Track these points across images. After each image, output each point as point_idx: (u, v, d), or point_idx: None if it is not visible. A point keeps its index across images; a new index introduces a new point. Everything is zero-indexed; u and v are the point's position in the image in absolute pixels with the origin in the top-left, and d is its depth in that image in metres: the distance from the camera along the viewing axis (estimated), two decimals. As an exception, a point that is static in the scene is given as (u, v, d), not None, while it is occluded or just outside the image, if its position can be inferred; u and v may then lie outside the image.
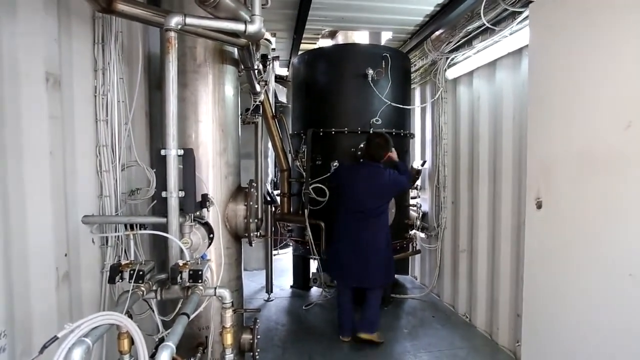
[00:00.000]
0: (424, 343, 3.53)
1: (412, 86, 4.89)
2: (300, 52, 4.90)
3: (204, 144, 2.45)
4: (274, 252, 6.63)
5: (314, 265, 4.85)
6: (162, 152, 1.68)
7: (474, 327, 3.82)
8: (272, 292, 4.74)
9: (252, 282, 5.28)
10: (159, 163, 1.71)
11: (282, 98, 6.59)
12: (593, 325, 2.05)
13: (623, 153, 1.81)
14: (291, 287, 5.14)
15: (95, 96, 1.82)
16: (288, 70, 6.32)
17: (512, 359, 3.23)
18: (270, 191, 4.95)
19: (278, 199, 4.70)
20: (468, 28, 3.71)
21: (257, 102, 3.75)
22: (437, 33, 4.28)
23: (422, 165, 4.72)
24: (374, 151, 3.45)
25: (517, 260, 3.25)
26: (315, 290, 4.92)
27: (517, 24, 3.07)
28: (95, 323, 1.16)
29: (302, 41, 4.89)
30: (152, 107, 2.63)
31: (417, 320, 4.04)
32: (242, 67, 2.70)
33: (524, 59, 3.11)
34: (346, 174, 3.57)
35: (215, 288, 1.73)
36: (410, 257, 5.09)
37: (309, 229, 3.98)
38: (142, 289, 1.53)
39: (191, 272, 1.54)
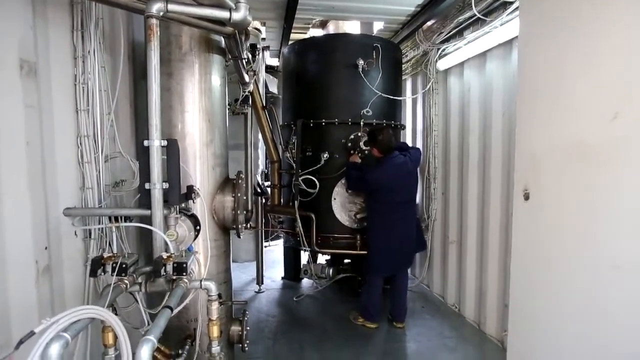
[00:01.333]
0: (413, 333, 3.57)
1: (404, 77, 4.86)
2: (290, 42, 4.83)
3: (190, 135, 2.41)
4: (265, 243, 6.62)
5: (304, 256, 4.85)
6: (145, 142, 1.65)
7: (463, 317, 3.87)
8: (262, 283, 4.74)
9: (243, 273, 5.28)
10: (142, 154, 1.68)
11: (273, 88, 6.51)
12: (578, 315, 2.07)
13: (610, 144, 1.81)
14: (282, 278, 5.15)
15: (75, 85, 1.77)
16: (279, 61, 6.25)
17: (499, 348, 3.28)
18: (260, 182, 4.91)
19: (269, 190, 4.68)
20: (459, 18, 3.68)
21: (247, 93, 3.70)
22: (429, 23, 4.25)
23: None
24: (389, 142, 3.56)
25: (505, 251, 3.28)
26: (306, 282, 4.93)
27: (507, 14, 3.06)
28: (75, 317, 1.13)
29: (293, 31, 4.82)
30: (138, 97, 2.58)
31: (407, 310, 4.07)
32: (230, 56, 2.65)
33: (514, 50, 3.10)
34: (384, 169, 3.51)
35: (201, 280, 1.71)
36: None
37: (299, 220, 3.96)
38: (126, 282, 1.51)
39: (175, 265, 1.52)
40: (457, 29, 3.80)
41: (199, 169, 2.46)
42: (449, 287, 4.21)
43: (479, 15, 3.28)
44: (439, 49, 4.11)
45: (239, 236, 2.64)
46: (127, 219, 1.97)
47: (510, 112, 3.17)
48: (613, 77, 1.80)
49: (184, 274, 1.53)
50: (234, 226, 2.53)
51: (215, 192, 2.53)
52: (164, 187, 1.67)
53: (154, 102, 1.63)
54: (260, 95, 4.25)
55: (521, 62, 2.49)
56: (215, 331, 1.76)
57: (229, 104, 4.32)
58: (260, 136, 4.82)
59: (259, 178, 5.02)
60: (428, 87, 4.36)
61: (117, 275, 1.45)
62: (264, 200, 4.75)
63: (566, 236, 2.12)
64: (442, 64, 4.12)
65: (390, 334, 3.59)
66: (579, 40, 1.99)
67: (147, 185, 1.65)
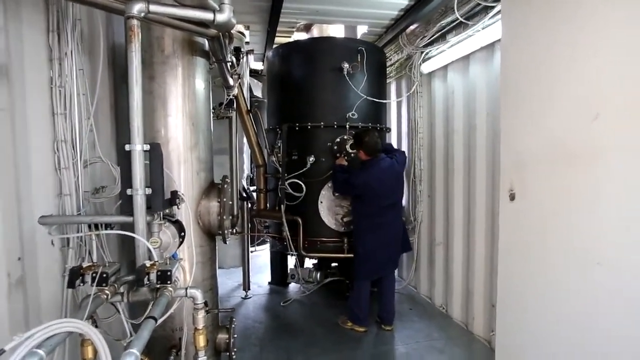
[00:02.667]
0: (402, 335, 3.56)
1: (388, 80, 4.89)
2: (275, 46, 4.81)
3: (173, 139, 2.35)
4: (251, 248, 6.55)
5: (291, 261, 4.81)
6: (127, 147, 1.59)
7: (451, 318, 3.88)
8: (249, 289, 4.67)
9: (229, 279, 5.19)
10: (123, 159, 1.62)
11: (258, 93, 6.46)
12: (564, 314, 2.10)
13: (591, 144, 1.85)
14: (269, 283, 5.09)
15: (52, 88, 1.69)
16: (263, 64, 6.21)
17: (486, 348, 3.30)
18: (246, 187, 4.85)
19: (255, 194, 4.62)
20: (442, 22, 3.73)
21: (231, 96, 3.65)
22: (412, 27, 4.29)
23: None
24: (375, 144, 3.55)
25: (491, 251, 3.31)
26: (293, 286, 4.88)
27: (489, 18, 3.11)
28: (51, 332, 1.07)
29: (277, 34, 4.79)
30: (119, 100, 2.50)
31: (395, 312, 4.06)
32: (214, 59, 2.61)
33: (496, 53, 3.15)
34: (371, 172, 3.48)
35: (187, 288, 1.66)
36: (387, 251, 5.11)
37: (285, 225, 3.93)
38: (107, 292, 1.45)
39: (159, 273, 1.46)
40: (440, 33, 3.84)
41: (183, 174, 2.40)
42: (436, 289, 4.23)
43: (461, 19, 3.32)
44: (422, 52, 4.16)
45: (225, 242, 2.59)
46: (108, 226, 1.90)
47: (494, 113, 3.21)
48: (593, 77, 1.84)
49: (169, 282, 1.47)
50: (220, 232, 2.47)
51: (200, 197, 2.48)
52: (146, 193, 1.61)
53: (135, 105, 1.58)
54: (244, 99, 4.21)
55: (504, 64, 2.52)
56: (201, 340, 1.71)
57: (213, 108, 4.26)
58: (245, 140, 4.76)
59: (244, 183, 4.95)
60: (412, 90, 4.39)
61: (97, 285, 1.39)
62: (249, 205, 4.71)
63: (551, 236, 2.15)
64: (426, 67, 4.16)
65: (379, 337, 3.58)
66: (560, 41, 2.03)
67: (129, 191, 1.59)
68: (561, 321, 2.13)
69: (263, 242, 6.38)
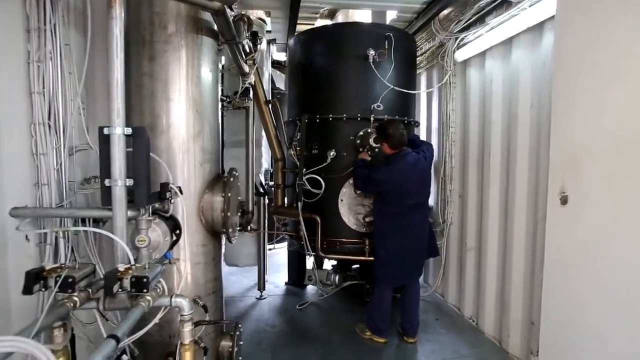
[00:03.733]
0: (426, 350, 3.23)
1: (418, 71, 4.52)
2: (296, 33, 4.55)
3: (175, 126, 2.14)
4: (270, 246, 6.35)
5: (310, 261, 4.55)
6: (105, 130, 1.37)
7: (482, 333, 3.50)
8: (264, 289, 4.46)
9: (245, 278, 5.01)
10: (102, 144, 1.40)
11: (280, 84, 6.24)
12: (622, 340, 1.72)
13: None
14: (286, 284, 4.86)
15: (29, 63, 1.50)
16: (286, 55, 5.97)
17: (524, 371, 2.92)
18: (263, 182, 4.63)
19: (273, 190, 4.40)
20: (481, 3, 3.34)
21: (247, 85, 3.42)
22: (446, 11, 3.91)
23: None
24: (401, 136, 3.21)
25: (532, 261, 2.91)
26: (311, 288, 4.63)
27: (538, -6, 2.70)
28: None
29: (299, 22, 4.53)
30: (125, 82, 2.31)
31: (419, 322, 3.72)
32: (222, 39, 2.37)
33: (545, 35, 2.74)
34: (395, 168, 3.16)
35: (172, 297, 1.42)
36: (413, 255, 4.76)
37: (302, 223, 3.67)
38: (75, 299, 1.23)
39: (133, 280, 1.23)
40: (477, 15, 3.45)
41: (186, 165, 2.19)
42: (465, 298, 3.85)
43: (504, -4, 2.93)
44: (457, 38, 3.76)
45: (230, 241, 2.36)
46: (96, 220, 1.71)
47: (539, 104, 2.81)
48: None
49: (145, 290, 1.24)
50: (224, 230, 2.24)
51: (204, 191, 2.25)
52: (127, 185, 1.39)
53: (115, 81, 1.35)
54: (263, 89, 3.98)
55: (558, 47, 2.14)
56: (187, 357, 1.47)
57: (227, 97, 4.06)
58: (263, 133, 4.53)
59: (261, 177, 4.73)
60: (445, 80, 4.01)
61: (61, 291, 1.17)
62: (267, 201, 4.49)
63: (615, 246, 1.77)
64: (461, 55, 3.77)
65: (401, 350, 3.26)
66: (631, 19, 1.64)
67: (107, 182, 1.37)
68: (618, 351, 1.75)
69: (283, 240, 6.17)
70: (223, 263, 5.10)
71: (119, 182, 1.37)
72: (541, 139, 2.79)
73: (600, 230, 1.82)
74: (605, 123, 1.79)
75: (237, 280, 4.96)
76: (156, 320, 1.44)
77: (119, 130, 1.36)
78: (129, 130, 1.40)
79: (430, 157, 3.35)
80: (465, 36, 3.65)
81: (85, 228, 1.49)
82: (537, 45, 2.85)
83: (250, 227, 3.52)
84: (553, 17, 2.52)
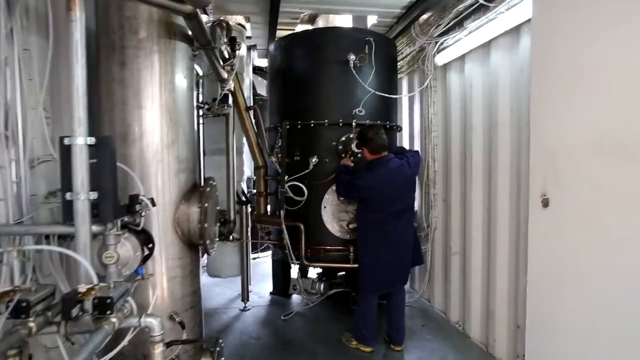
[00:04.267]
0: (413, 357, 3.18)
1: (399, 76, 4.52)
2: (277, 39, 4.50)
3: (147, 135, 2.05)
4: (254, 255, 6.23)
5: (295, 269, 4.46)
6: (66, 140, 1.28)
7: (468, 338, 3.48)
8: (248, 300, 4.34)
9: (229, 289, 4.88)
10: (63, 155, 1.31)
11: (262, 91, 6.18)
12: (614, 341, 1.71)
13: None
14: (270, 293, 4.76)
15: (-20, 69, 1.40)
16: (267, 61, 5.91)
17: (511, 375, 2.90)
18: (245, 190, 4.53)
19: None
20: (459, 7, 3.36)
21: (225, 91, 3.34)
22: (425, 16, 3.93)
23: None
24: (381, 141, 3.16)
25: (516, 264, 2.91)
26: (296, 297, 4.54)
27: (514, -3, 2.72)
28: None
29: (279, 27, 4.49)
30: (93, 91, 2.21)
31: (405, 329, 3.67)
32: (197, 44, 2.30)
33: (522, 38, 2.76)
34: (377, 174, 3.10)
35: (140, 317, 1.33)
36: (398, 260, 4.72)
37: (285, 231, 3.59)
38: (30, 325, 1.13)
39: (96, 301, 1.14)
40: (456, 19, 3.46)
41: (160, 175, 2.09)
42: (451, 303, 3.82)
43: (482, 1, 2.95)
44: (437, 42, 3.78)
45: (208, 253, 2.27)
46: (63, 237, 1.60)
47: (519, 108, 2.82)
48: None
49: (109, 312, 1.15)
50: (201, 241, 2.15)
51: (180, 201, 2.16)
52: (91, 198, 1.30)
53: (76, 87, 1.27)
54: (243, 95, 3.90)
55: (535, 48, 2.14)
56: (159, 382, 1.37)
57: (206, 104, 3.97)
58: (244, 140, 4.45)
59: (243, 185, 4.64)
60: (426, 84, 4.01)
61: (13, 317, 1.07)
62: (249, 209, 4.39)
63: (597, 248, 1.75)
64: (441, 59, 3.78)
65: (388, 358, 3.20)
66: (609, 19, 1.65)
67: (68, 196, 1.28)
68: (610, 350, 1.74)
69: (267, 248, 6.06)
70: (205, 274, 5.00)
71: (81, 196, 1.28)
72: (522, 143, 2.80)
73: (581, 231, 1.81)
74: (584, 125, 1.79)
75: (220, 291, 4.83)
76: (124, 343, 1.34)
77: (80, 141, 1.27)
78: (92, 140, 1.31)
79: (415, 163, 3.27)
80: (445, 40, 3.67)
81: (39, 247, 1.38)
82: (514, 48, 2.87)
83: (233, 236, 3.42)
84: (529, 20, 2.55)
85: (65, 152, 1.28)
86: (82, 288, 1.17)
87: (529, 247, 2.14)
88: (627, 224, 1.60)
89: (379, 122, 3.71)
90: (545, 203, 1.97)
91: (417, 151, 3.78)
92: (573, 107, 1.83)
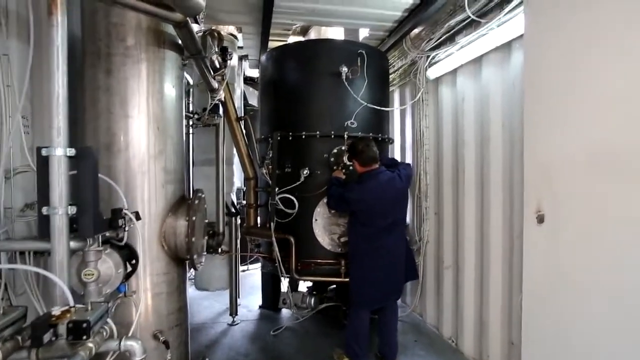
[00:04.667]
0: (406, 375, 3.10)
1: (391, 89, 4.53)
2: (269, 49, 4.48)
3: (133, 145, 1.98)
4: (244, 267, 6.10)
5: (285, 283, 4.36)
6: (44, 151, 1.21)
7: (461, 354, 3.42)
8: (237, 314, 4.22)
9: (217, 302, 4.75)
10: (40, 167, 1.23)
11: (253, 101, 6.14)
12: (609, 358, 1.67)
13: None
14: (260, 307, 4.64)
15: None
16: (259, 71, 5.89)
17: (505, 393, 2.84)
18: (234, 202, 4.45)
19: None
20: (450, 22, 3.38)
21: (216, 101, 3.29)
22: (417, 30, 3.97)
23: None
24: (372, 153, 3.10)
25: (509, 279, 2.87)
26: (286, 312, 4.43)
27: (505, 14, 2.74)
28: None
29: (272, 38, 4.48)
30: (77, 99, 2.13)
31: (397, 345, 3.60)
32: (187, 53, 2.25)
33: (514, 53, 2.78)
34: (368, 187, 3.05)
35: (121, 340, 1.25)
36: (390, 273, 4.66)
37: (275, 244, 3.51)
38: (-2, 350, 1.04)
39: (71, 326, 1.05)
40: (448, 34, 3.49)
41: (146, 187, 2.02)
42: (444, 318, 3.77)
43: (473, 17, 2.97)
44: (428, 56, 3.80)
45: (194, 268, 2.18)
46: (37, 253, 1.51)
47: (511, 121, 2.82)
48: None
49: (85, 337, 1.06)
50: (188, 256, 2.07)
51: (166, 214, 2.08)
52: (69, 213, 1.22)
53: (56, 95, 1.20)
54: (234, 105, 3.85)
55: (528, 63, 2.14)
56: (140, 410, 1.28)
57: (196, 113, 3.90)
58: (235, 151, 4.38)
59: (233, 197, 4.55)
60: (417, 97, 4.02)
61: (-22, 343, 0.98)
62: (239, 221, 4.30)
63: (593, 265, 1.73)
64: (433, 72, 3.80)
65: (380, 376, 3.12)
66: (605, 24, 1.65)
67: (44, 210, 1.20)
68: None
69: (257, 260, 5.94)
70: (193, 287, 4.87)
71: (59, 210, 1.20)
72: (514, 157, 2.79)
73: (578, 248, 1.78)
74: (578, 138, 1.77)
75: (208, 305, 4.70)
76: (105, 365, 1.25)
77: (59, 152, 1.20)
78: (72, 151, 1.24)
79: (407, 176, 3.23)
80: (437, 54, 3.69)
81: (11, 266, 1.30)
82: (506, 63, 2.89)
83: (221, 249, 3.33)
84: (521, 36, 2.56)
85: (43, 164, 1.21)
86: (56, 311, 1.08)
87: (524, 264, 2.11)
88: (624, 240, 1.57)
89: (370, 134, 3.70)
90: (541, 219, 1.95)
91: (408, 164, 3.75)
92: (566, 120, 1.82)
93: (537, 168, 2.01)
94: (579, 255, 1.78)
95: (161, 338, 1.98)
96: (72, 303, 1.15)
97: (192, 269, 2.23)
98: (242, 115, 4.20)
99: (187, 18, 1.79)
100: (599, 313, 1.71)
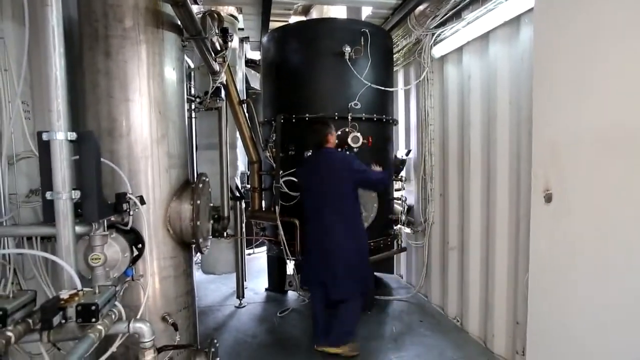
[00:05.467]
0: (411, 354, 3.14)
1: (395, 68, 4.45)
2: (270, 30, 4.39)
3: (136, 129, 1.96)
4: (249, 251, 6.16)
5: (290, 265, 4.40)
6: (44, 136, 1.19)
7: (466, 333, 3.45)
8: (244, 297, 4.28)
9: (224, 285, 4.81)
10: (42, 152, 1.22)
11: (255, 84, 6.07)
12: (615, 341, 1.67)
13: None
14: (266, 290, 4.70)
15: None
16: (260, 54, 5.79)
17: (510, 371, 2.87)
18: (239, 186, 4.45)
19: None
20: (456, -2, 3.28)
21: (217, 84, 3.24)
22: (422, 7, 3.83)
23: (407, 154, 4.31)
24: (315, 138, 3.17)
25: (515, 259, 2.87)
26: (292, 294, 4.49)
27: (514, -13, 2.65)
28: None
29: (272, 18, 4.38)
30: (78, 83, 2.10)
31: (403, 325, 3.65)
32: (187, 34, 2.20)
33: (522, 28, 2.70)
34: (305, 167, 3.21)
35: (129, 322, 1.26)
36: (395, 255, 4.69)
37: (280, 227, 3.52)
38: (8, 334, 1.05)
39: (79, 309, 1.06)
40: (454, 10, 3.39)
41: (149, 172, 2.00)
42: (449, 298, 3.79)
43: (480, -10, 2.88)
44: (433, 34, 3.70)
45: (200, 251, 2.19)
46: (44, 238, 1.51)
47: (519, 99, 2.76)
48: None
49: (94, 320, 1.07)
50: (194, 240, 2.07)
51: (171, 199, 2.07)
52: (73, 197, 1.21)
53: (54, 78, 1.17)
54: (236, 88, 3.80)
55: (538, 37, 2.08)
56: (150, 390, 1.30)
57: (198, 97, 3.85)
58: (238, 134, 4.36)
59: (237, 181, 4.55)
60: (422, 76, 3.94)
61: (-12, 327, 0.99)
62: (244, 205, 4.31)
63: (601, 247, 1.71)
64: (438, 51, 3.71)
65: (385, 355, 3.15)
66: (616, 3, 1.58)
67: (48, 195, 1.19)
68: (607, 349, 1.70)
69: (263, 244, 5.99)
70: (200, 271, 4.92)
71: (63, 195, 1.19)
72: (521, 136, 2.75)
73: (586, 227, 1.76)
74: (589, 116, 1.73)
75: (215, 288, 4.77)
76: (112, 349, 1.27)
77: (60, 136, 1.18)
78: (73, 135, 1.22)
79: (350, 162, 3.07)
80: (442, 32, 3.60)
81: (18, 250, 1.30)
82: (514, 39, 2.81)
83: (227, 233, 3.34)
84: (530, 10, 2.48)
85: (45, 149, 1.19)
86: (65, 294, 1.09)
87: (531, 243, 2.09)
88: (634, 218, 1.55)
89: (375, 115, 3.66)
90: (548, 198, 1.92)
91: (384, 172, 3.41)
92: (577, 98, 1.77)
93: (546, 146, 1.97)
94: (586, 234, 1.76)
95: (170, 320, 2.00)
96: (79, 287, 1.15)
97: (198, 253, 2.24)
98: (245, 98, 4.14)
99: (185, -4, 1.74)
100: (605, 294, 1.71)
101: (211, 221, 2.53)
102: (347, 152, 3.40)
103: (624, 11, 1.57)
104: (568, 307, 1.92)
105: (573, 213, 1.83)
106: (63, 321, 1.06)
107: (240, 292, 4.24)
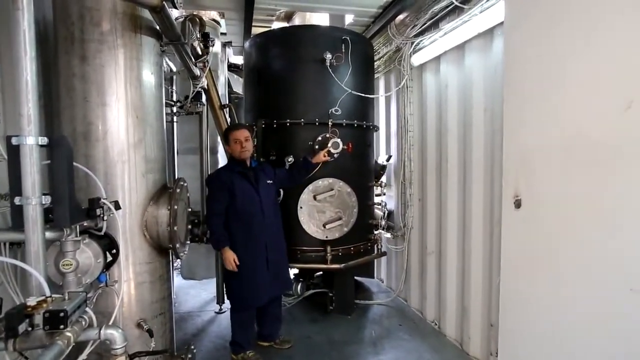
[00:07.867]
0: (390, 358, 3.16)
1: (376, 76, 4.52)
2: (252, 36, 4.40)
3: (112, 134, 1.95)
4: (231, 256, 6.10)
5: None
6: (14, 140, 1.18)
7: (444, 336, 3.51)
8: (224, 302, 4.23)
9: (204, 291, 4.75)
10: (11, 157, 1.20)
11: (238, 88, 6.06)
12: (585, 345, 1.74)
13: (622, 139, 1.49)
14: (247, 295, 4.65)
15: None
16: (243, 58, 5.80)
17: (485, 372, 2.94)
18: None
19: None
20: (434, 8, 3.38)
21: (198, 89, 3.25)
22: (402, 16, 3.94)
23: (387, 160, 4.38)
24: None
25: (489, 263, 2.95)
26: (273, 299, 4.45)
27: (487, 0, 2.75)
28: None
29: (255, 24, 4.40)
30: (52, 87, 2.07)
31: (382, 329, 3.68)
32: (165, 40, 2.20)
33: (495, 40, 2.80)
34: (228, 176, 2.99)
35: (100, 329, 1.25)
36: (375, 259, 4.73)
37: (261, 233, 3.51)
38: (-29, 342, 1.03)
39: (47, 315, 1.05)
40: (432, 20, 3.48)
41: (126, 176, 1.99)
42: (428, 302, 3.85)
43: (456, 2, 2.97)
44: (412, 43, 3.79)
45: (178, 257, 2.17)
46: (14, 244, 1.48)
47: (492, 108, 2.86)
48: (628, 57, 1.48)
49: (62, 327, 1.06)
50: (171, 245, 2.06)
51: (148, 203, 2.07)
52: (43, 203, 1.20)
53: (24, 82, 1.16)
54: (217, 93, 3.80)
55: (507, 49, 2.16)
56: (121, 397, 1.29)
57: (179, 101, 3.83)
58: (219, 139, 4.34)
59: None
60: (402, 84, 4.02)
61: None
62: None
63: (568, 251, 1.78)
64: (417, 59, 3.80)
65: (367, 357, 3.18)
66: (580, 15, 1.67)
67: (17, 200, 1.17)
68: (575, 350, 1.77)
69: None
70: (180, 277, 4.85)
71: (32, 200, 1.18)
72: (495, 143, 2.84)
73: (553, 232, 1.83)
74: (555, 125, 1.81)
75: (195, 294, 4.71)
76: (83, 356, 1.25)
77: (30, 140, 1.17)
78: (44, 140, 1.21)
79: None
80: (421, 41, 3.68)
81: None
82: (488, 50, 2.90)
83: (206, 238, 3.33)
84: (502, 23, 2.58)
85: (14, 153, 1.18)
86: (32, 301, 1.07)
87: (502, 247, 2.16)
88: (597, 224, 1.63)
89: (355, 121, 3.71)
90: (518, 204, 1.99)
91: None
92: (544, 107, 1.85)
93: (516, 154, 2.04)
94: (554, 239, 1.83)
95: (145, 326, 1.99)
96: (48, 293, 1.14)
97: (177, 259, 2.22)
98: (227, 103, 4.14)
99: (164, 2, 1.75)
100: (572, 295, 1.78)
101: (189, 226, 2.53)
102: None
103: (590, 23, 1.65)
104: (537, 310, 1.98)
105: (541, 218, 1.90)
106: (30, 329, 1.05)
107: (220, 298, 4.20)
